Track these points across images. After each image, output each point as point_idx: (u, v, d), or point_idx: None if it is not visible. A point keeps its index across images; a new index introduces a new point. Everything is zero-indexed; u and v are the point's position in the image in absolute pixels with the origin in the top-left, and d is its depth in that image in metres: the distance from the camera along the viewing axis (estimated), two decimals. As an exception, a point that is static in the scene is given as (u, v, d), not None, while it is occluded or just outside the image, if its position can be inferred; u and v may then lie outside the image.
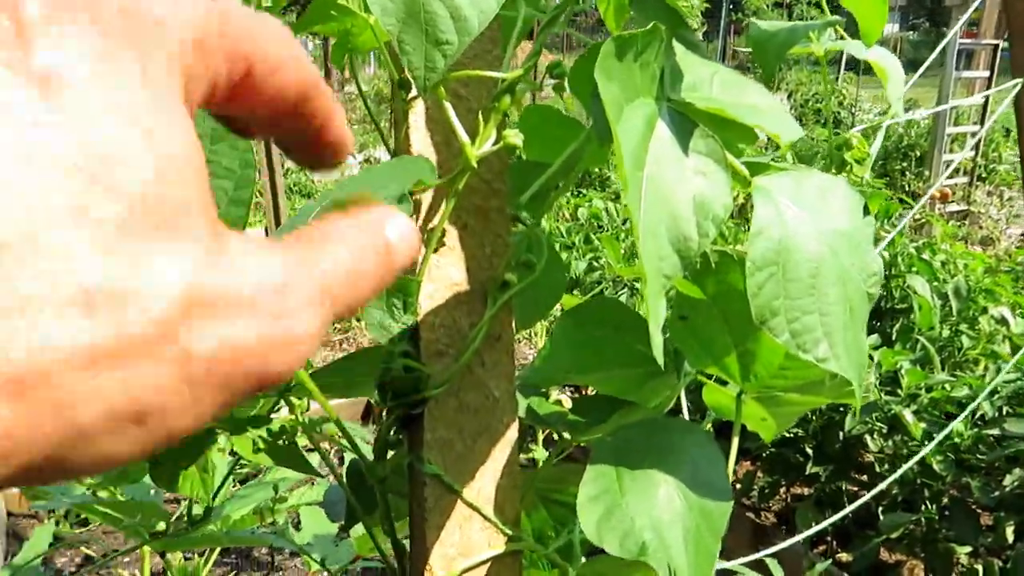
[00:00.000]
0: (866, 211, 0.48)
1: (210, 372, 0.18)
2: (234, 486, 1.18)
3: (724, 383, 0.62)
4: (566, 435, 0.56)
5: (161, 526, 0.76)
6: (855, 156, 0.69)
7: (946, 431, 1.77)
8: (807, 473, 2.49)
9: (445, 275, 0.50)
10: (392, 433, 0.50)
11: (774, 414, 0.65)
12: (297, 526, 1.35)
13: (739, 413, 0.60)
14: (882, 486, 1.71)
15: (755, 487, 2.73)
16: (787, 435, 2.62)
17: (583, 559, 0.54)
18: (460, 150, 0.47)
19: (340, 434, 0.51)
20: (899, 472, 1.56)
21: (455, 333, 0.50)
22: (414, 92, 0.49)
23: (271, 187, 3.05)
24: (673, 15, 0.53)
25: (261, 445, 0.52)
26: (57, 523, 2.48)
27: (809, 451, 2.56)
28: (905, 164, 6.42)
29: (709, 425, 0.64)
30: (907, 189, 6.38)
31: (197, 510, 1.01)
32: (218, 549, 1.13)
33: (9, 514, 2.72)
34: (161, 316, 0.17)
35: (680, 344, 0.60)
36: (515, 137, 0.47)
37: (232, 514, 1.02)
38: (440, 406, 0.49)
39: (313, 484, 1.26)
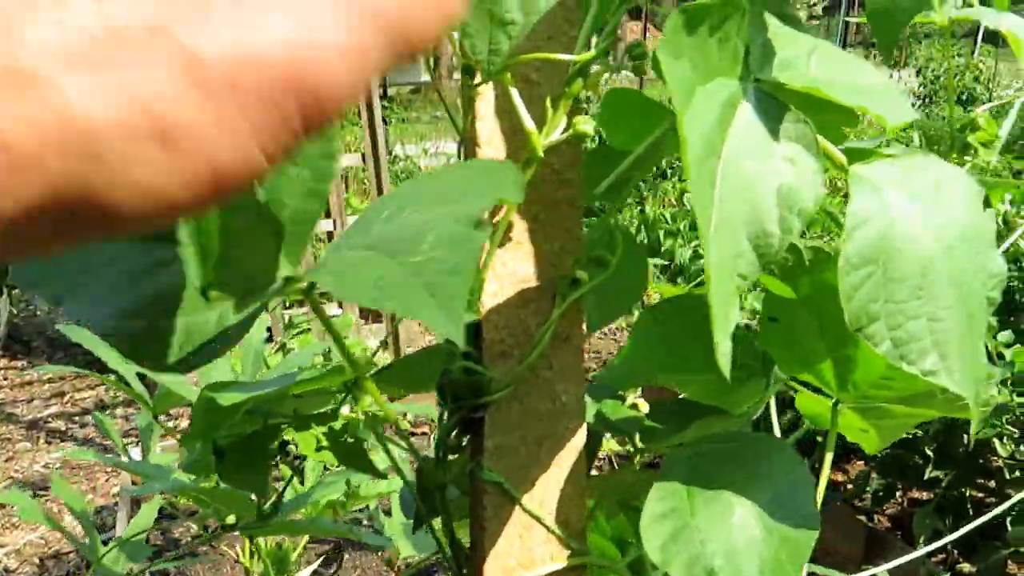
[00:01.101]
0: (987, 204, 0.42)
1: (233, 83, 0.17)
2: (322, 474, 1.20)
3: (819, 391, 0.56)
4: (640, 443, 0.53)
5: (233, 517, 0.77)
6: (981, 138, 0.61)
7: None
8: (926, 477, 2.33)
9: (511, 271, 0.47)
10: (454, 436, 0.48)
11: (877, 426, 0.59)
12: (388, 512, 1.36)
13: (834, 424, 0.54)
14: (1017, 498, 1.57)
15: (868, 489, 2.58)
16: (905, 435, 2.46)
17: (657, 576, 0.51)
18: (527, 140, 0.44)
19: (402, 433, 0.49)
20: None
21: (521, 333, 0.47)
22: (478, 79, 0.46)
23: (375, 173, 3.11)
24: (766, -16, 0.47)
25: (323, 442, 0.51)
26: (176, 495, 2.62)
27: (929, 453, 2.40)
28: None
29: (796, 436, 0.59)
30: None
31: (290, 493, 1.02)
32: (304, 539, 1.15)
33: (133, 483, 2.90)
34: (148, 9, 0.16)
35: (769, 348, 0.55)
36: (585, 124, 0.44)
37: (320, 500, 1.03)
38: (502, 410, 0.47)
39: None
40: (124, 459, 1.60)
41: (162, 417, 1.47)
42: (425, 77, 14.13)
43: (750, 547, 0.41)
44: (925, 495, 2.59)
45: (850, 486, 2.67)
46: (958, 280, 0.39)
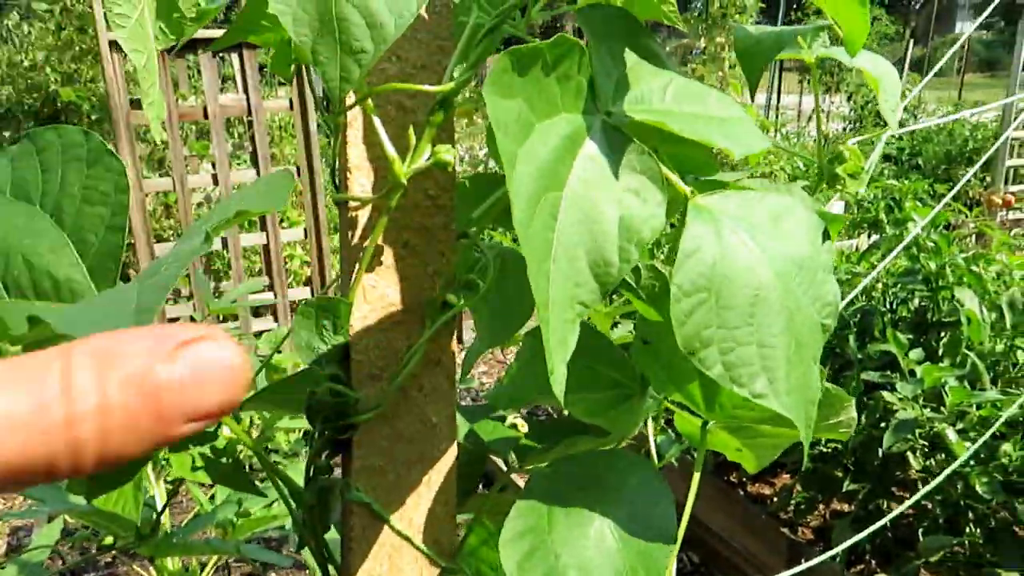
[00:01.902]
0: (826, 236, 0.45)
1: None
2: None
3: (692, 411, 0.58)
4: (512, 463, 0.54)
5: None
6: (848, 170, 0.65)
7: (984, 449, 1.67)
8: (845, 489, 2.40)
9: (380, 295, 0.48)
10: (323, 458, 0.48)
11: (749, 445, 0.61)
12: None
13: (703, 442, 0.56)
14: (916, 498, 1.63)
15: (792, 502, 2.65)
16: (825, 449, 2.54)
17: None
18: (390, 167, 0.45)
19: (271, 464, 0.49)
20: (932, 484, 1.48)
21: (390, 356, 0.48)
22: (351, 102, 0.47)
23: (311, 186, 3.08)
24: (631, 23, 0.50)
25: (199, 463, 0.51)
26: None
27: (851, 466, 2.47)
28: (968, 169, 6.18)
29: (673, 454, 0.61)
30: (970, 195, 6.14)
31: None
32: (214, 560, 1.13)
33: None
34: None
35: (644, 369, 0.57)
36: (446, 154, 0.45)
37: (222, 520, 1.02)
38: (371, 432, 0.47)
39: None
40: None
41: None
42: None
43: (604, 559, 0.43)
44: (847, 507, 2.67)
45: (775, 499, 2.73)
46: (789, 307, 0.41)
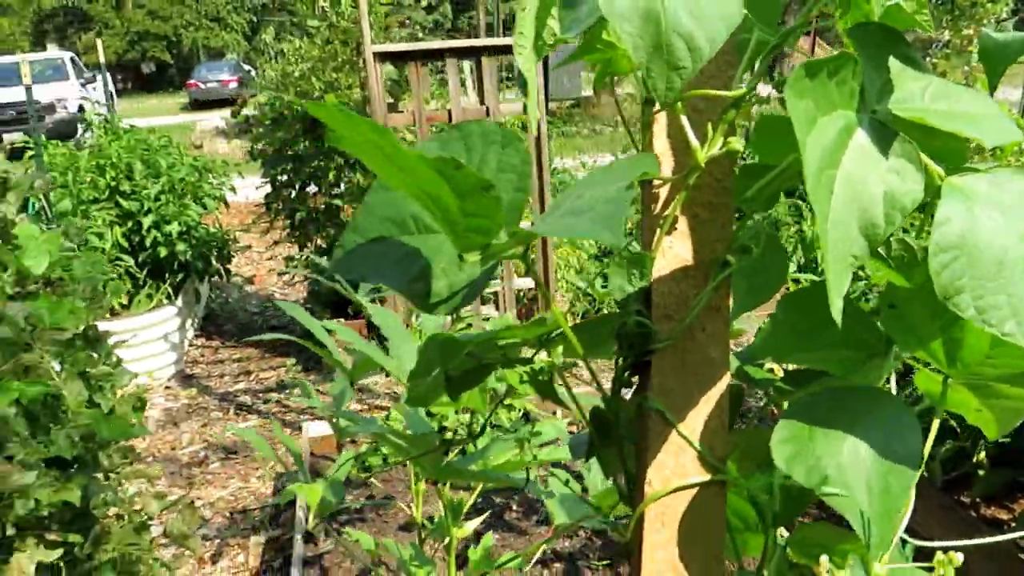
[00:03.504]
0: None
1: None
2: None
3: (933, 369, 0.67)
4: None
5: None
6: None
7: None
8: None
9: (675, 254, 0.62)
10: (626, 376, 0.63)
11: (989, 406, 0.69)
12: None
13: (943, 397, 0.65)
14: None
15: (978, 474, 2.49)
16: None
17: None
18: (692, 154, 0.59)
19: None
20: None
21: (681, 301, 0.62)
22: (658, 107, 0.62)
23: (539, 180, 3.31)
24: (891, 35, 0.60)
25: (525, 378, 0.67)
26: (365, 460, 2.94)
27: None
28: None
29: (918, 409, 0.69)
30: None
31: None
32: (476, 496, 1.33)
33: (311, 454, 3.24)
34: None
35: (890, 331, 0.67)
36: (737, 144, 0.58)
37: (492, 458, 1.21)
38: (664, 360, 0.62)
39: (559, 445, 1.43)
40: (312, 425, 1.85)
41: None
42: (586, 92, 14.40)
43: (858, 467, 0.54)
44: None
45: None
46: (1032, 269, 0.50)
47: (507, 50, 3.34)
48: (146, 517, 2.16)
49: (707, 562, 0.62)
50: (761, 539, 0.76)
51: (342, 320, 4.58)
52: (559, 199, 0.54)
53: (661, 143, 0.63)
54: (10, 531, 1.57)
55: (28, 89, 4.19)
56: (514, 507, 2.85)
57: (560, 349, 0.69)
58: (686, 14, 0.52)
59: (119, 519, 2.06)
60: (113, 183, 4.93)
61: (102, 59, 10.59)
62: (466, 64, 5.42)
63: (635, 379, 0.64)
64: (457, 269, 0.54)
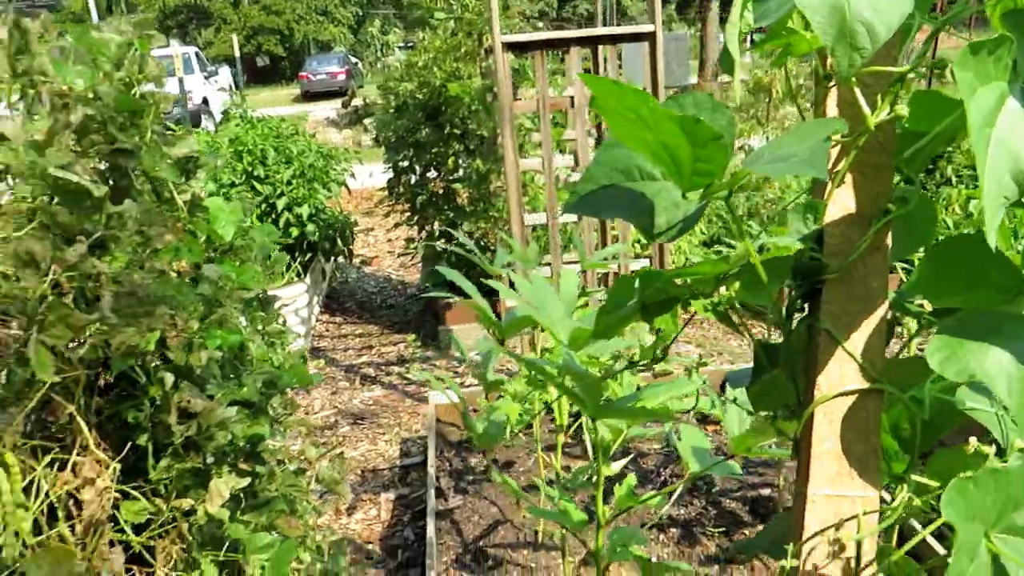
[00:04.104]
0: None
1: None
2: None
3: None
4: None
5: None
6: None
7: None
8: None
9: (843, 203, 0.76)
10: (797, 302, 0.77)
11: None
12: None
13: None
14: None
15: None
16: None
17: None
18: (862, 120, 0.73)
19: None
20: None
21: (848, 242, 0.76)
22: (832, 82, 0.75)
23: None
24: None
25: (708, 307, 0.82)
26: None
27: None
28: None
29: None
30: None
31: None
32: (619, 443, 1.48)
33: (437, 420, 3.48)
34: None
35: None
36: (903, 110, 0.71)
37: (646, 401, 1.37)
38: (833, 288, 0.76)
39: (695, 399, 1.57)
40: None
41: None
42: (692, 79, 14.34)
43: (1001, 370, 0.66)
44: None
45: None
46: None
47: (624, 39, 3.47)
48: (305, 462, 2.42)
49: (866, 455, 0.76)
50: (902, 465, 0.88)
51: (458, 299, 4.83)
52: (756, 152, 0.69)
53: (832, 113, 0.76)
54: (209, 459, 1.83)
55: (180, 81, 4.59)
56: (650, 462, 3.01)
57: (737, 285, 0.83)
58: (867, 6, 0.65)
59: (279, 464, 2.32)
60: (249, 168, 5.34)
61: (237, 53, 11.27)
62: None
63: (805, 306, 0.78)
64: (674, 208, 0.70)
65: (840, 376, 0.75)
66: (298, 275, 5.03)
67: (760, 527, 2.58)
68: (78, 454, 1.54)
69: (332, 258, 5.52)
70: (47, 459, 1.45)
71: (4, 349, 1.42)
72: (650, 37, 3.30)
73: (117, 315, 1.55)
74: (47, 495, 1.41)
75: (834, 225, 0.75)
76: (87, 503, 1.56)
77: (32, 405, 1.45)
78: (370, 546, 3.04)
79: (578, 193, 0.74)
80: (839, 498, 0.75)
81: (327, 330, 5.32)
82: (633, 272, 0.83)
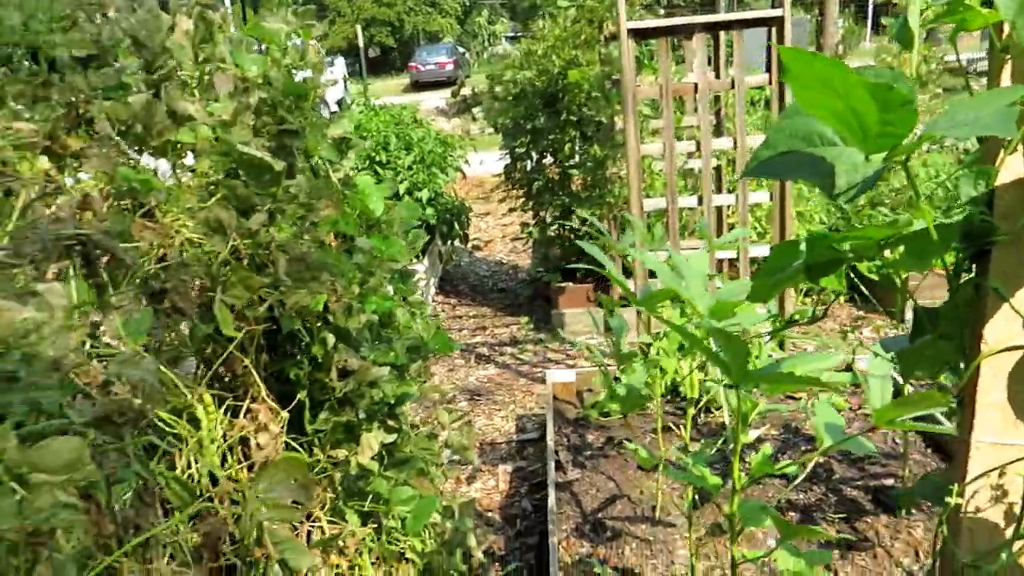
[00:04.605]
0: None
1: None
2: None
3: None
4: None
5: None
6: None
7: None
8: None
9: (1014, 169, 0.80)
10: (965, 263, 0.82)
11: None
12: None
13: None
14: None
15: None
16: None
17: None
18: (1039, 89, 0.77)
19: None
20: None
21: (1018, 205, 0.80)
22: (1008, 54, 0.80)
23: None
24: None
25: (872, 269, 0.87)
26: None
27: None
28: None
29: None
30: None
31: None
32: (756, 413, 1.54)
33: (554, 398, 3.59)
34: None
35: None
36: (1082, 79, 0.75)
37: (794, 369, 1.42)
38: (1002, 249, 0.80)
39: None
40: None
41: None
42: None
43: None
44: None
45: None
46: None
47: (751, 23, 3.45)
48: (439, 427, 2.57)
49: (1030, 407, 0.80)
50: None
51: (570, 284, 4.93)
52: (932, 120, 0.75)
53: (1007, 83, 0.80)
54: (361, 415, 1.99)
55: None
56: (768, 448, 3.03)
57: (901, 249, 0.88)
58: (1050, -19, 0.70)
59: (413, 428, 2.48)
60: (372, 153, 5.59)
61: (361, 43, 11.72)
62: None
63: (973, 266, 0.83)
64: (853, 171, 0.76)
65: (1007, 332, 0.80)
66: (417, 257, 5.24)
67: (883, 516, 2.56)
68: (251, 404, 1.72)
69: (448, 241, 5.71)
70: (223, 407, 1.62)
71: (189, 307, 1.59)
72: (777, 22, 3.28)
73: (290, 279, 1.72)
74: (224, 437, 1.58)
75: (1005, 189, 0.80)
76: (263, 445, 1.73)
77: (221, 359, 1.63)
78: (490, 514, 3.18)
79: (758, 158, 0.81)
80: (1003, 446, 0.79)
81: (442, 310, 5.52)
82: (794, 237, 0.89)
